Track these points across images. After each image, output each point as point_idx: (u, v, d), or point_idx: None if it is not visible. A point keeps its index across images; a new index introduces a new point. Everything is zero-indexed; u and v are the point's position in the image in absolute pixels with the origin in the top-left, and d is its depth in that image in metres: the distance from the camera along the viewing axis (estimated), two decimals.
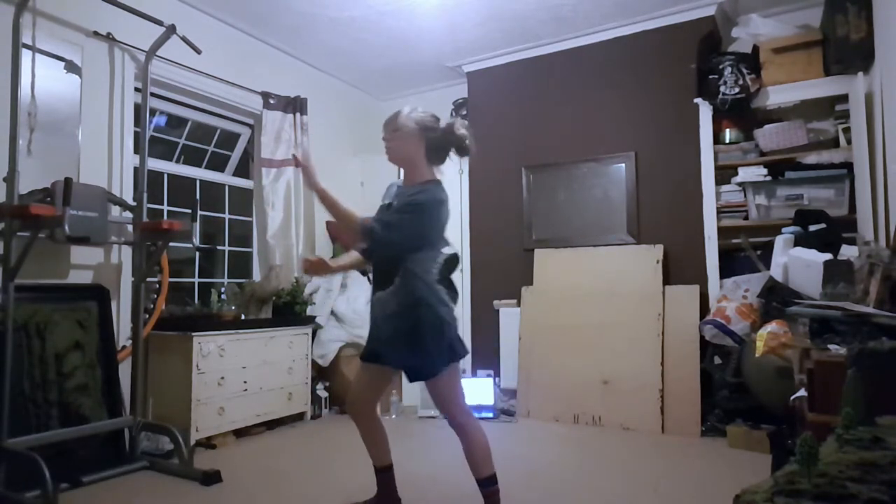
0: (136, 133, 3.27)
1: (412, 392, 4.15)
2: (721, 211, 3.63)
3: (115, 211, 3.10)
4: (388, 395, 4.00)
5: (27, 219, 2.39)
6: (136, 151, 3.24)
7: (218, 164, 4.22)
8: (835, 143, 3.42)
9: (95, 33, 3.12)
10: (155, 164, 3.58)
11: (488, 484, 2.08)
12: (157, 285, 3.26)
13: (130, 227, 3.12)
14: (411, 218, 1.94)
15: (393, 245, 1.93)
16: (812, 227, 3.19)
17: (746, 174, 3.52)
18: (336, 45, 4.29)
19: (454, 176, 4.59)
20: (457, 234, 4.54)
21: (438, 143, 2.07)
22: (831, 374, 1.61)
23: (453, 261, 2.05)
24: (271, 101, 4.14)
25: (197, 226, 2.92)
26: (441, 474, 2.75)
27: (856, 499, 0.83)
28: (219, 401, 3.22)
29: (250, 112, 4.14)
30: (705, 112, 3.66)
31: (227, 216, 4.18)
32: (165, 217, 3.65)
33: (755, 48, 3.62)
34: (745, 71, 3.50)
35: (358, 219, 1.94)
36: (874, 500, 0.82)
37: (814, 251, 2.94)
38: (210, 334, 3.19)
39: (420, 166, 2.08)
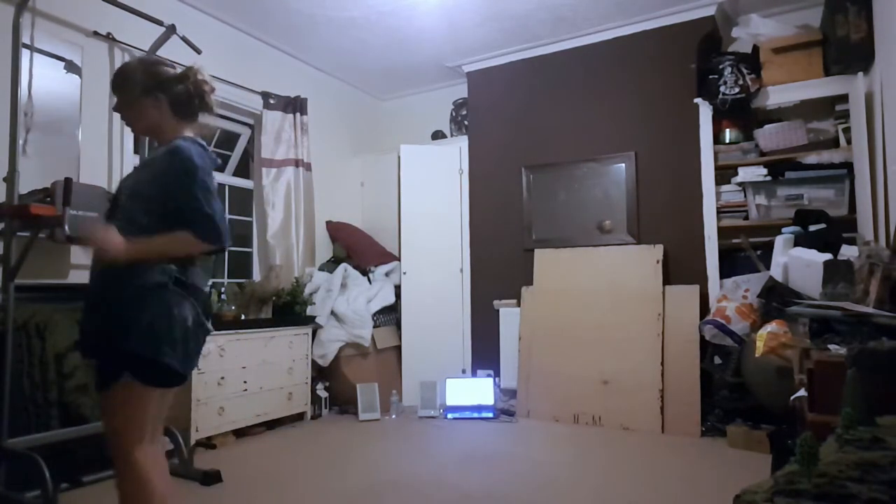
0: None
1: (412, 392, 4.16)
2: (721, 211, 3.62)
3: None
4: (388, 395, 4.01)
5: (27, 219, 2.39)
6: (136, 151, 3.24)
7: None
8: (835, 143, 3.42)
9: (95, 33, 3.11)
10: None
11: None
12: None
13: None
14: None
15: (219, 227, 1.56)
16: (812, 227, 3.18)
17: (746, 174, 3.51)
18: (336, 45, 4.28)
19: (454, 176, 4.60)
20: (457, 234, 4.55)
21: (183, 96, 1.67)
22: (831, 374, 1.61)
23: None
24: (271, 101, 4.14)
25: None
26: (441, 475, 2.75)
27: (856, 499, 0.83)
28: (219, 401, 3.22)
29: (250, 112, 4.14)
30: (705, 112, 3.66)
31: (226, 216, 4.18)
32: None
33: (755, 48, 3.61)
34: (745, 71, 3.50)
35: (172, 237, 1.53)
36: (874, 500, 0.82)
37: (814, 251, 2.94)
38: (210, 334, 3.19)
39: (169, 130, 1.66)
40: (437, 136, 4.95)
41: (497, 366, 4.20)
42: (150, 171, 1.60)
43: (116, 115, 3.19)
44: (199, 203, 1.53)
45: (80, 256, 3.00)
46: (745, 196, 3.55)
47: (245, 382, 3.39)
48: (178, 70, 1.71)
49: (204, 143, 1.69)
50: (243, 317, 3.56)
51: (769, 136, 3.50)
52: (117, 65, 3.23)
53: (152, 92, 1.64)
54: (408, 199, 4.49)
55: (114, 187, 3.16)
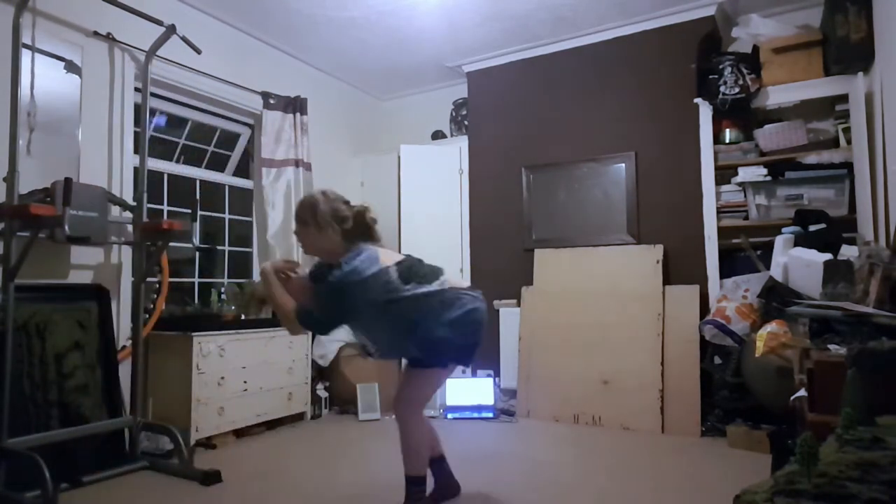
0: (136, 133, 3.27)
1: None
2: (721, 211, 3.62)
3: (115, 211, 3.11)
4: (389, 395, 4.01)
5: (27, 219, 2.39)
6: (136, 151, 3.23)
7: (218, 164, 4.21)
8: (835, 143, 3.42)
9: (95, 33, 3.12)
10: (155, 164, 3.58)
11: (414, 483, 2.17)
12: (157, 285, 3.26)
13: (130, 227, 3.12)
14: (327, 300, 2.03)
15: (320, 325, 2.10)
16: (812, 227, 3.18)
17: (746, 174, 3.51)
18: (336, 45, 4.28)
19: (454, 176, 4.60)
20: (457, 234, 4.55)
21: (353, 231, 2.11)
22: (831, 374, 1.61)
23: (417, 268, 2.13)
24: (271, 101, 4.14)
25: (197, 226, 2.93)
26: None
27: (856, 499, 0.83)
28: (219, 401, 3.22)
29: (250, 112, 4.14)
30: (705, 112, 3.66)
31: (227, 216, 4.18)
32: (165, 217, 3.65)
33: (755, 48, 3.61)
34: (745, 71, 3.50)
35: (291, 309, 2.07)
36: (874, 500, 0.82)
37: (814, 251, 2.94)
38: (210, 334, 3.19)
39: (339, 252, 2.07)
40: (437, 136, 4.95)
41: (497, 366, 4.20)
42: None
43: (116, 115, 3.23)
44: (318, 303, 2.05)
45: (80, 256, 3.00)
46: (745, 196, 3.55)
47: (245, 382, 3.39)
48: (353, 209, 2.12)
49: (364, 247, 2.07)
50: (243, 317, 3.56)
51: (769, 136, 3.50)
52: (117, 64, 3.23)
53: (328, 227, 2.08)
54: (408, 199, 4.49)
55: (114, 187, 3.18)
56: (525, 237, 4.32)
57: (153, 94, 3.39)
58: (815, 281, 2.66)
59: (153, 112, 3.63)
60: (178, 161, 3.91)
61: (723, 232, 3.60)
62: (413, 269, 2.11)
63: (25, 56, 2.69)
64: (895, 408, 1.31)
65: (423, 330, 2.03)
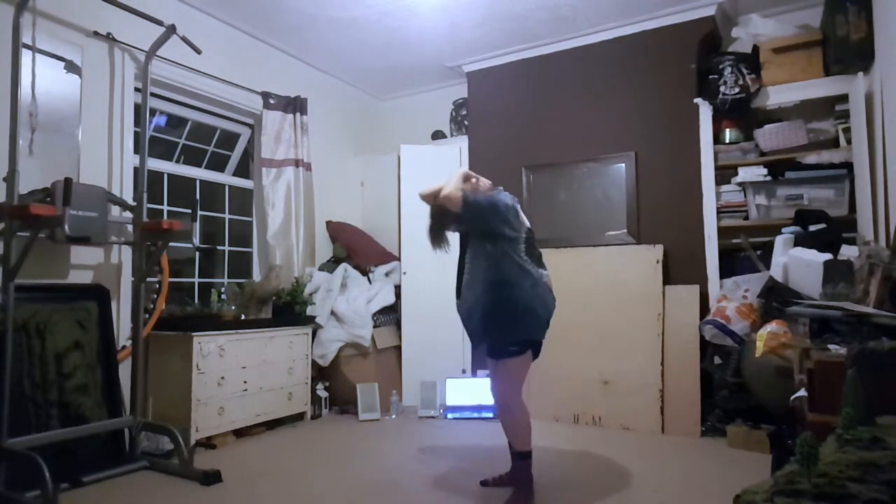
0: (136, 133, 3.27)
1: (412, 392, 4.16)
2: (721, 211, 3.62)
3: (115, 211, 3.11)
4: (388, 395, 4.01)
5: (27, 219, 2.39)
6: (136, 151, 3.24)
7: (218, 164, 4.22)
8: (835, 143, 3.42)
9: (95, 33, 3.12)
10: (155, 164, 3.58)
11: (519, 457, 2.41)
12: (157, 285, 3.26)
13: (130, 227, 3.12)
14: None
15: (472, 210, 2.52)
16: (812, 227, 3.19)
17: (746, 174, 3.51)
18: (336, 45, 4.29)
19: None
20: (455, 234, 4.54)
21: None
22: (831, 374, 1.61)
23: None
24: (271, 101, 4.14)
25: (197, 226, 2.92)
26: (441, 474, 2.75)
27: (856, 499, 0.83)
28: (219, 401, 3.22)
29: (250, 112, 4.14)
30: (705, 112, 3.66)
31: (227, 216, 4.18)
32: (165, 217, 3.65)
33: (755, 48, 3.61)
34: (745, 71, 3.50)
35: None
36: (874, 500, 0.82)
37: (814, 251, 2.94)
38: (210, 334, 3.19)
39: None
40: (437, 136, 4.95)
41: None
42: None
43: (116, 115, 3.22)
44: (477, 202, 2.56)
45: (80, 256, 3.00)
46: (745, 196, 3.55)
47: (245, 382, 3.39)
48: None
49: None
50: (243, 317, 3.56)
51: (769, 136, 3.50)
52: (117, 64, 3.23)
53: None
54: (408, 199, 4.48)
55: (114, 187, 3.17)
56: None
57: (153, 94, 3.39)
58: (815, 281, 2.67)
59: (153, 112, 3.63)
60: (178, 161, 3.91)
61: (723, 232, 3.60)
62: (532, 244, 2.45)
63: (26, 56, 2.69)
64: (895, 408, 1.31)
65: (507, 291, 2.33)
